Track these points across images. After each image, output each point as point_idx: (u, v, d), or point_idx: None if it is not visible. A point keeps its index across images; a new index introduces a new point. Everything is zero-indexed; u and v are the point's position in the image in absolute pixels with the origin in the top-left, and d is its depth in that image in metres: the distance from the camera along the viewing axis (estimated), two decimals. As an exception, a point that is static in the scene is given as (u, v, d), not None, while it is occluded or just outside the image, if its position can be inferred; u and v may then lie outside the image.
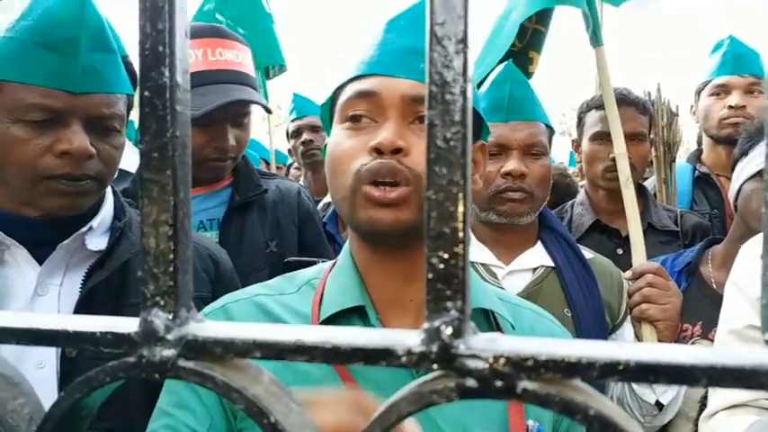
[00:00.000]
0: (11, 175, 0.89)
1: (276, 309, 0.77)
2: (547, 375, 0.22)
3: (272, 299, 0.79)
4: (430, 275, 0.23)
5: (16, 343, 0.27)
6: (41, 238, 0.92)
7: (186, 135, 0.26)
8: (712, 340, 1.40)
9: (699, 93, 2.27)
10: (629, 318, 1.31)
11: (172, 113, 0.25)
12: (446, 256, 0.23)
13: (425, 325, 0.23)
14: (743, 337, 1.03)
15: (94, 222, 0.96)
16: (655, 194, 2.06)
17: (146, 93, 0.25)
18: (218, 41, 1.39)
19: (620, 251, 1.68)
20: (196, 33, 1.39)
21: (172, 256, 0.25)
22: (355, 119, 0.76)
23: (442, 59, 0.23)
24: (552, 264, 1.26)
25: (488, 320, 0.79)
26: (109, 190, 1.01)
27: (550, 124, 1.35)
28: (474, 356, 0.22)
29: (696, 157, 2.30)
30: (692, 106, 2.35)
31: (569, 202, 1.91)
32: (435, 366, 0.23)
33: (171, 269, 0.25)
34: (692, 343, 1.42)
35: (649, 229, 1.76)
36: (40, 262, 0.92)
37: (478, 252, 1.28)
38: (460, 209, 0.23)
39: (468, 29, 0.23)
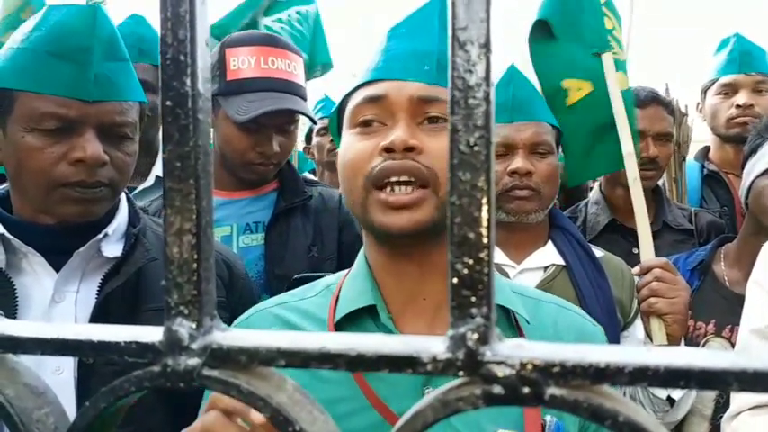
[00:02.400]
0: (27, 183, 0.90)
1: (294, 318, 0.79)
2: (575, 381, 0.22)
3: (292, 305, 0.80)
4: (455, 281, 0.23)
5: (41, 353, 0.27)
6: (57, 246, 0.93)
7: (208, 144, 0.26)
8: (726, 338, 1.39)
9: (705, 91, 2.25)
10: (639, 314, 1.31)
11: (194, 122, 0.25)
12: (471, 261, 0.23)
13: (450, 332, 0.23)
14: (764, 336, 1.02)
15: (110, 229, 0.97)
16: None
17: (167, 102, 0.25)
18: (271, 50, 1.42)
19: (635, 250, 1.66)
20: (251, 40, 1.43)
21: (195, 266, 0.25)
22: (365, 123, 0.76)
23: (465, 64, 0.23)
24: (563, 262, 1.26)
25: (507, 317, 0.79)
26: (123, 197, 1.02)
27: (556, 124, 1.35)
28: (500, 363, 0.22)
29: (704, 155, 2.29)
30: (698, 104, 2.33)
31: (583, 202, 1.90)
32: (461, 373, 0.23)
33: (194, 278, 0.25)
34: (705, 341, 1.41)
35: (665, 227, 1.75)
36: (57, 269, 0.93)
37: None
38: (485, 214, 0.23)
39: (490, 33, 0.23)
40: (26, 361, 0.30)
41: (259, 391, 0.24)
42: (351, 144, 0.77)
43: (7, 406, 0.27)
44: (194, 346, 0.25)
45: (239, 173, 1.44)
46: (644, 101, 1.69)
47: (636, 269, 1.30)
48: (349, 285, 0.79)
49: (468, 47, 0.23)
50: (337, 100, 0.90)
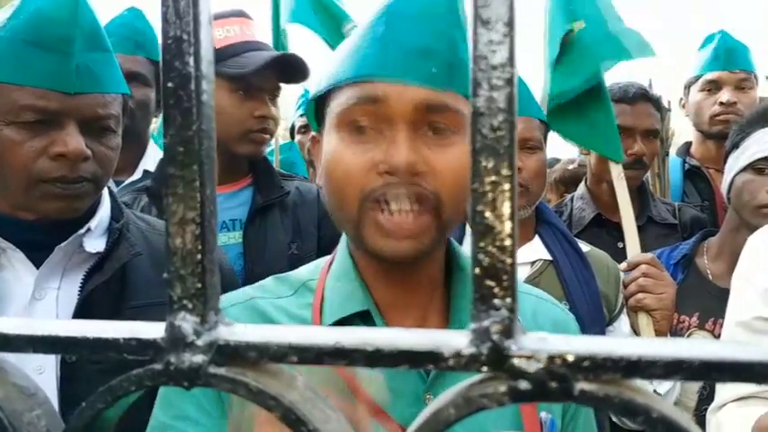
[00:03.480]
0: (5, 178, 0.87)
1: (274, 313, 0.72)
2: (605, 376, 0.21)
3: (269, 302, 0.73)
4: (477, 271, 0.22)
5: (33, 351, 0.25)
6: (38, 241, 0.90)
7: (212, 128, 0.24)
8: (709, 331, 1.41)
9: (689, 87, 2.27)
10: (625, 310, 1.32)
11: (198, 105, 0.23)
12: (494, 251, 0.22)
13: (473, 325, 0.22)
14: (751, 329, 1.03)
15: (92, 224, 0.94)
16: (648, 188, 2.07)
17: (169, 84, 0.23)
18: (249, 21, 1.44)
19: (620, 245, 1.68)
20: (231, 14, 1.43)
21: (199, 257, 0.24)
22: (357, 129, 0.67)
23: (488, 43, 0.22)
24: (550, 257, 1.26)
25: None
26: (105, 191, 0.99)
27: (545, 119, 1.35)
28: (527, 357, 0.21)
29: (685, 150, 2.31)
30: (681, 99, 2.35)
31: (569, 196, 1.91)
32: (484, 369, 0.22)
33: (198, 270, 0.24)
34: (689, 334, 1.43)
35: (649, 222, 1.77)
36: (37, 265, 0.90)
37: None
38: (508, 202, 0.22)
39: (514, 11, 0.22)
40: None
41: (270, 390, 0.23)
42: (341, 152, 0.67)
43: (-4, 408, 0.25)
44: (199, 342, 0.23)
45: (236, 148, 1.39)
46: (632, 97, 1.70)
47: (623, 265, 1.31)
48: (334, 287, 0.73)
49: (491, 25, 0.21)
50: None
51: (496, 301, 0.22)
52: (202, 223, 0.24)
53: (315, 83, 0.76)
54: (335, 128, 0.68)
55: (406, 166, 0.63)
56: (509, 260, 0.22)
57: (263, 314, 0.72)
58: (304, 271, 0.79)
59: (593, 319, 1.24)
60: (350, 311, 0.70)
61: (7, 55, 0.84)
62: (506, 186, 0.22)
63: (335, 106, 0.69)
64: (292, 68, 1.41)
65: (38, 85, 0.84)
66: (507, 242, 0.22)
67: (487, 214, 0.22)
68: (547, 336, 0.22)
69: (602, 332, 1.25)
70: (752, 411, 1.02)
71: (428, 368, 0.22)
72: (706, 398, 1.30)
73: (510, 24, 0.21)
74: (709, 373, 0.20)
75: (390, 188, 0.64)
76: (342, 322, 0.70)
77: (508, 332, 0.22)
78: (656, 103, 1.78)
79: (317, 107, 0.75)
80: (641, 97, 1.72)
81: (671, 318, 1.27)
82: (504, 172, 0.22)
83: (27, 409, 0.26)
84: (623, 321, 1.31)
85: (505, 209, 0.22)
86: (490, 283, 0.22)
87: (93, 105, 0.88)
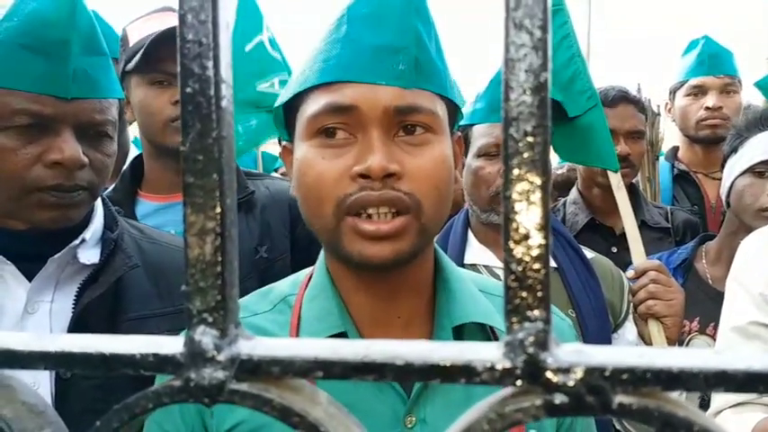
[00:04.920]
0: None
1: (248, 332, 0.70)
2: (645, 389, 0.20)
3: (246, 321, 0.70)
4: (511, 282, 0.21)
5: (44, 368, 0.24)
6: (29, 252, 0.87)
7: (231, 135, 0.23)
8: (710, 335, 1.41)
9: (674, 92, 2.29)
10: (630, 317, 1.31)
11: (217, 111, 0.22)
12: (529, 260, 0.21)
13: (507, 337, 0.21)
14: (746, 334, 1.03)
15: (87, 234, 0.91)
16: (638, 192, 2.07)
17: (187, 89, 0.23)
18: (165, 13, 1.41)
19: (614, 249, 1.68)
20: (156, 11, 1.41)
21: (220, 269, 0.23)
22: (328, 135, 0.65)
23: (520, 46, 0.21)
24: (555, 264, 1.26)
25: (485, 335, 0.73)
26: (98, 199, 0.97)
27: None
28: (564, 370, 0.21)
29: (673, 155, 2.32)
30: (666, 104, 2.37)
31: (561, 201, 1.91)
32: (519, 383, 0.21)
33: (219, 282, 0.23)
34: (690, 339, 1.43)
35: (643, 226, 1.77)
36: (29, 277, 0.87)
37: (481, 254, 1.27)
38: (541, 210, 0.21)
39: (548, 14, 0.21)
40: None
41: (294, 406, 0.22)
42: (312, 161, 0.65)
43: (5, 428, 0.24)
44: (220, 357, 0.22)
45: (164, 140, 1.34)
46: (612, 100, 1.70)
47: (630, 273, 1.30)
48: (311, 305, 0.70)
49: (524, 27, 0.21)
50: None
51: (531, 313, 0.21)
52: (223, 233, 0.23)
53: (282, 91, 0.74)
54: (306, 136, 0.67)
55: (380, 169, 0.61)
56: (543, 270, 0.21)
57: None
58: (286, 284, 0.77)
59: (600, 327, 1.24)
60: (325, 333, 0.67)
61: (1, 59, 0.81)
62: (539, 194, 0.21)
63: (304, 114, 0.67)
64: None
65: (33, 90, 0.81)
66: (541, 252, 0.21)
67: (520, 222, 0.21)
68: (583, 347, 0.21)
69: (607, 340, 1.24)
70: (749, 417, 1.01)
71: (460, 382, 0.21)
72: (705, 404, 1.30)
73: (544, 28, 0.21)
74: (755, 386, 0.20)
75: (366, 192, 0.62)
76: None
77: (543, 344, 0.21)
78: (637, 104, 1.79)
79: (285, 116, 0.73)
80: (621, 99, 1.73)
81: (681, 324, 1.26)
82: (537, 180, 0.21)
83: (37, 427, 0.25)
84: (628, 328, 1.31)
85: (538, 217, 0.21)
86: (524, 294, 0.21)
87: (89, 111, 0.85)
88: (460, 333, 0.70)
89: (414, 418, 0.66)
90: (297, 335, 0.68)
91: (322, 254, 0.74)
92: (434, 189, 0.65)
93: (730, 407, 1.08)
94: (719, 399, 1.10)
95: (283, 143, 0.77)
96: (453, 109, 0.72)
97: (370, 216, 0.63)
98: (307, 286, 0.73)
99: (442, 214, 0.68)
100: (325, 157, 0.64)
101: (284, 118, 0.73)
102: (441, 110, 0.68)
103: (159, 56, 1.29)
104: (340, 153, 0.64)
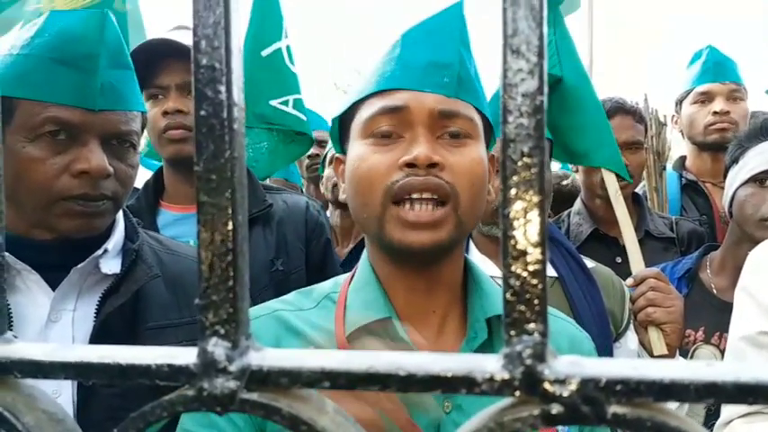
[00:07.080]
0: (25, 196, 0.85)
1: (299, 324, 0.75)
2: (638, 399, 0.21)
3: (292, 314, 0.77)
4: (509, 296, 0.22)
5: (64, 377, 0.25)
6: (53, 262, 0.88)
7: (243, 155, 0.25)
8: (715, 345, 1.41)
9: (680, 102, 2.29)
10: (631, 326, 1.31)
11: (230, 133, 0.24)
12: (526, 275, 0.22)
13: (506, 349, 0.22)
14: (755, 344, 1.03)
15: (109, 245, 0.92)
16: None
17: (202, 112, 0.24)
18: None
19: (618, 260, 1.68)
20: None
21: (231, 283, 0.24)
22: (382, 135, 0.74)
23: (517, 71, 0.22)
24: (556, 274, 1.26)
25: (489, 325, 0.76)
26: (120, 211, 0.98)
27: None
28: (560, 381, 0.22)
29: (681, 164, 2.32)
30: (673, 116, 2.37)
31: (565, 212, 1.91)
32: (517, 393, 0.22)
33: (231, 296, 0.24)
34: (695, 348, 1.43)
35: (647, 236, 1.77)
36: (52, 286, 0.89)
37: (481, 264, 1.27)
38: (538, 227, 0.22)
39: (544, 40, 0.22)
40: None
41: (302, 416, 0.23)
42: (366, 156, 0.74)
43: (26, 435, 0.25)
44: (232, 367, 0.24)
45: (162, 152, 1.35)
46: (608, 112, 1.71)
47: (629, 281, 1.31)
48: (356, 295, 0.77)
49: (521, 53, 0.22)
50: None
51: (528, 326, 0.22)
52: (234, 250, 0.24)
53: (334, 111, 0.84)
54: (361, 137, 0.75)
55: (425, 158, 0.70)
56: (540, 285, 0.22)
57: (287, 325, 0.76)
58: (326, 285, 0.83)
59: (601, 336, 1.24)
60: (372, 318, 0.73)
61: (32, 73, 0.84)
62: (536, 212, 0.22)
63: (360, 119, 0.76)
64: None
65: (62, 102, 0.84)
66: (538, 267, 0.22)
67: (518, 239, 0.22)
68: (579, 359, 0.22)
69: (609, 349, 1.24)
70: (759, 427, 1.01)
71: (461, 393, 0.22)
72: (714, 413, 1.30)
73: (540, 53, 0.22)
74: (745, 397, 0.21)
75: (411, 178, 0.70)
76: (364, 330, 0.73)
77: (541, 356, 0.22)
78: (634, 114, 1.79)
79: (340, 129, 0.82)
80: (618, 110, 1.74)
81: (681, 331, 1.27)
82: (534, 198, 0.22)
83: (55, 435, 0.26)
84: (629, 338, 1.31)
85: (536, 234, 0.22)
86: (522, 308, 0.22)
87: (115, 122, 0.87)
88: (490, 325, 0.76)
89: (450, 404, 0.71)
90: (343, 325, 0.74)
91: (365, 253, 0.81)
92: (471, 185, 0.73)
93: (740, 417, 1.08)
94: (729, 408, 1.10)
95: (336, 155, 0.85)
96: (489, 127, 0.80)
97: (413, 206, 0.70)
98: (350, 283, 0.80)
99: (477, 211, 0.75)
100: (377, 152, 0.73)
101: (339, 132, 0.82)
102: (478, 120, 0.77)
103: (153, 71, 1.31)
104: (390, 148, 0.73)
